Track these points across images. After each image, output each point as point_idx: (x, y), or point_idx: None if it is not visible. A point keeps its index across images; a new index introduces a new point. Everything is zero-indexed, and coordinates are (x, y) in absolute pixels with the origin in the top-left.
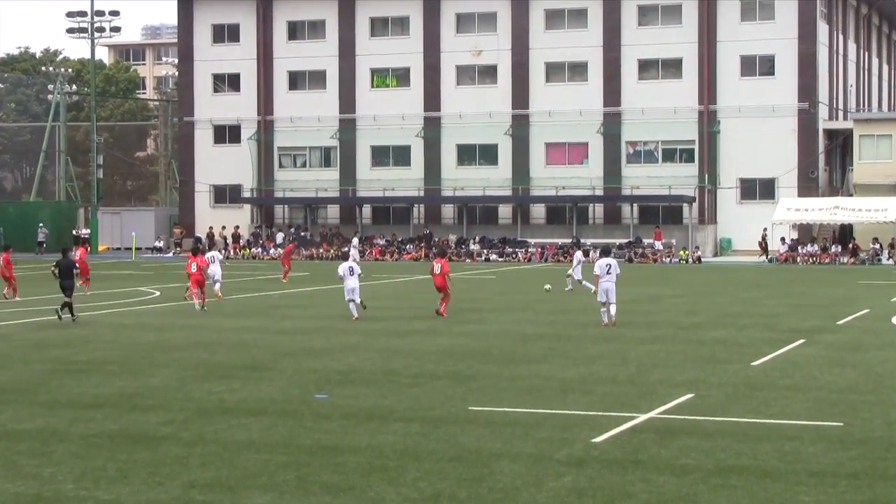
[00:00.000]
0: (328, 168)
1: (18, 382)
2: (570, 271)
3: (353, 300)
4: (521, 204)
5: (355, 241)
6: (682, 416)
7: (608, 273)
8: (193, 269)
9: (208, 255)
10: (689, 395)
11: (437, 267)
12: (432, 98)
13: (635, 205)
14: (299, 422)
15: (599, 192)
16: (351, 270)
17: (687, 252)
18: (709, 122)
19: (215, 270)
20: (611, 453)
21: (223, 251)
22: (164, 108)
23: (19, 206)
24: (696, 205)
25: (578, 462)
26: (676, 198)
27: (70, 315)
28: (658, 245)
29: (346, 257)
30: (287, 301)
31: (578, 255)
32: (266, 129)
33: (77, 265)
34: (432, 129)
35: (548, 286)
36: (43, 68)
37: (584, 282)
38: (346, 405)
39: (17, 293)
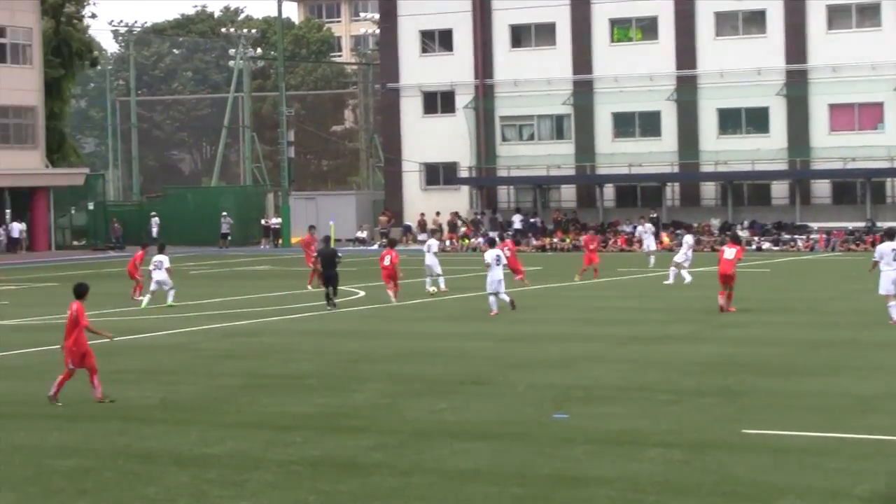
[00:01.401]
0: (561, 141)
1: (204, 400)
2: (676, 258)
3: (498, 293)
4: (801, 180)
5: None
6: None
7: (894, 261)
8: (387, 262)
9: (428, 243)
10: None
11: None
12: (686, 53)
13: None
14: (535, 447)
15: None
16: (498, 259)
17: None
18: None
19: (432, 263)
20: None
21: (440, 241)
22: (364, 74)
23: (199, 193)
24: None
25: (885, 499)
26: None
27: (331, 304)
28: None
29: (493, 244)
30: (518, 302)
31: (688, 239)
32: (485, 95)
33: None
34: (687, 91)
35: (432, 289)
36: (223, 30)
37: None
38: (590, 427)
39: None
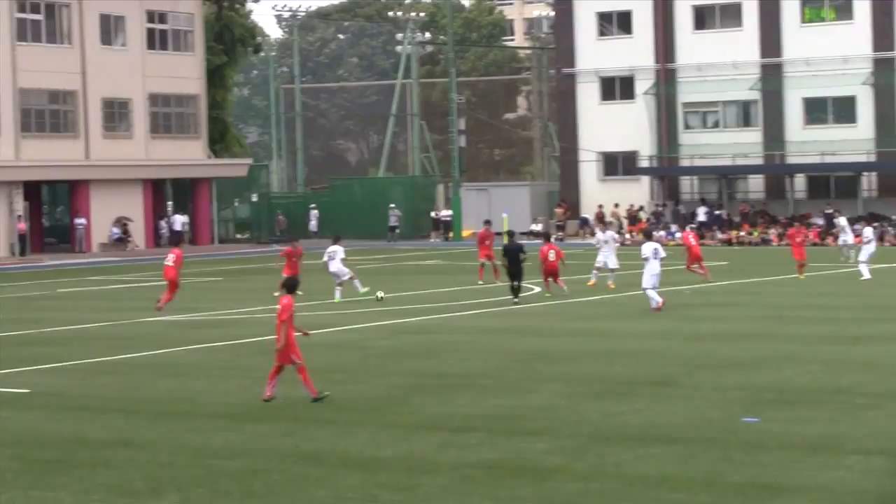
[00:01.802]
0: (748, 128)
1: (375, 400)
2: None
3: (656, 287)
4: None
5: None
6: None
7: None
8: (552, 257)
9: (599, 236)
10: None
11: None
12: (883, 33)
13: None
14: (724, 453)
15: None
16: (656, 252)
17: None
18: None
19: (607, 258)
20: None
21: (618, 233)
22: (538, 58)
23: (366, 184)
24: None
25: None
26: None
27: (515, 298)
28: None
29: (649, 235)
30: (702, 299)
31: (867, 232)
32: (667, 80)
33: (290, 263)
34: (885, 74)
35: (380, 293)
36: (390, 14)
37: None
38: (783, 432)
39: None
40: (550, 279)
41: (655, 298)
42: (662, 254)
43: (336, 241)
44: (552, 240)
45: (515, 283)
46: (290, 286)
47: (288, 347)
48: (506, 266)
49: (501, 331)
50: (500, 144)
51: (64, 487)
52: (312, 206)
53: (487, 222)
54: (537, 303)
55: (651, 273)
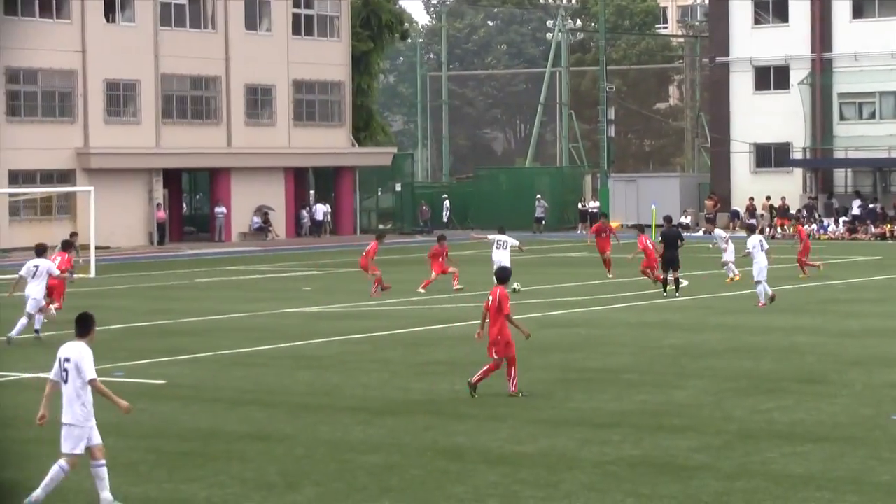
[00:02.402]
0: None
1: (516, 394)
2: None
3: (762, 282)
4: None
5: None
6: None
7: None
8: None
9: (750, 241)
10: None
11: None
12: None
13: None
14: (873, 451)
15: None
16: (761, 245)
17: None
18: None
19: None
20: None
21: (769, 227)
22: (692, 47)
23: (513, 174)
24: None
25: None
26: None
27: (675, 288)
28: None
29: (753, 230)
30: (851, 294)
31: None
32: (822, 69)
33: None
34: None
35: (516, 285)
36: (541, 0)
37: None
38: None
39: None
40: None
41: (763, 295)
42: (766, 246)
43: (501, 231)
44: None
45: (671, 275)
46: (503, 277)
47: (503, 339)
48: (661, 254)
49: (648, 325)
50: (650, 135)
51: (198, 481)
52: (444, 196)
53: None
54: (685, 297)
55: (760, 266)
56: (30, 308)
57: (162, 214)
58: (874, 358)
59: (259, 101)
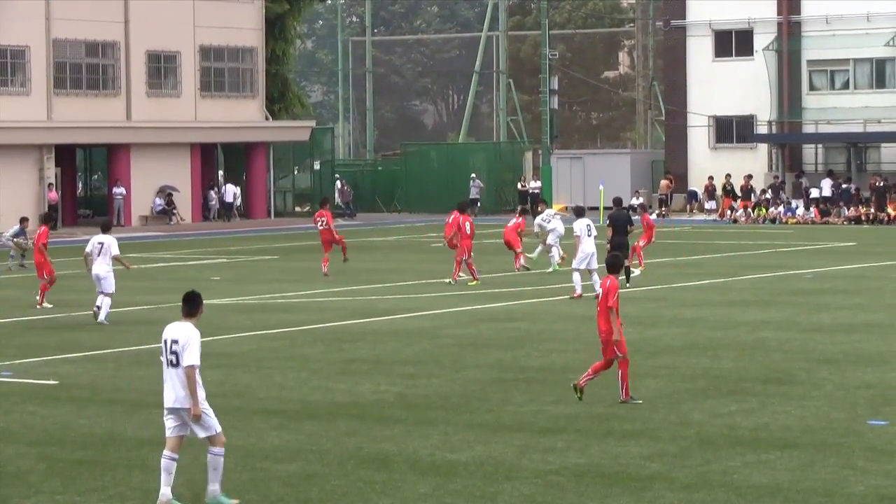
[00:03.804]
0: (881, 90)
1: (449, 396)
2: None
3: (579, 270)
4: None
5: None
6: None
7: None
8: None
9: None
10: None
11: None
12: None
13: None
14: (846, 460)
15: None
16: (588, 229)
17: None
18: None
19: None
20: None
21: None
22: (644, 8)
23: (445, 150)
24: None
25: None
26: None
27: (625, 278)
28: None
29: (581, 212)
30: (822, 285)
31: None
32: (790, 34)
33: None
34: None
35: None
36: None
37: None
38: None
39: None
40: None
41: (578, 283)
42: (594, 231)
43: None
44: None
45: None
46: (615, 265)
47: (612, 338)
48: (609, 238)
49: (594, 319)
50: (598, 107)
51: (96, 492)
52: (336, 176)
53: (523, 212)
54: (638, 287)
55: (584, 252)
56: (107, 287)
57: (54, 195)
58: (847, 355)
59: (162, 69)
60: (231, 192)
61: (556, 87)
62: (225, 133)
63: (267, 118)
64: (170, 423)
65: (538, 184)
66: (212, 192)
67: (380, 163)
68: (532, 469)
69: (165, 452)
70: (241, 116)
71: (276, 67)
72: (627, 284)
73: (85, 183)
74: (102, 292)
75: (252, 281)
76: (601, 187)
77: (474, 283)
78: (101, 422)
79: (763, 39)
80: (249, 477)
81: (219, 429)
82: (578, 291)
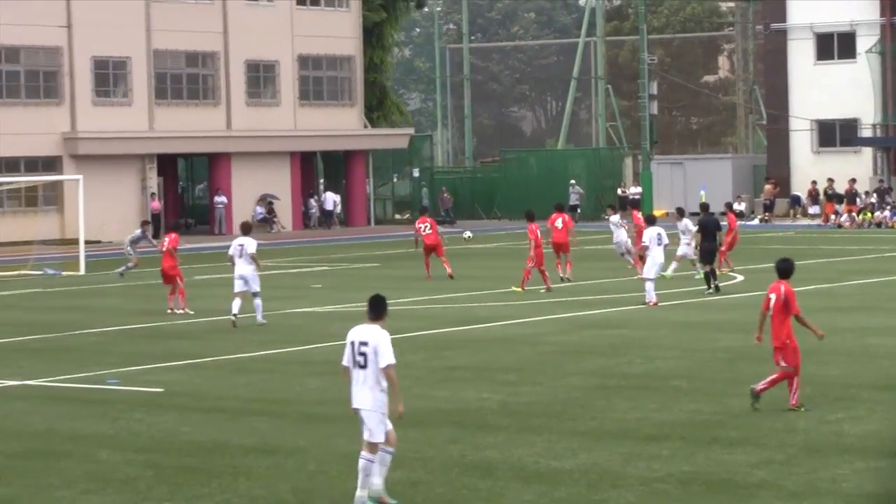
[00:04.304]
0: None
1: (552, 403)
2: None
3: (652, 280)
4: None
5: None
6: None
7: None
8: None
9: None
10: None
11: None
12: None
13: None
14: None
15: None
16: (659, 238)
17: None
18: None
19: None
20: None
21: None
22: (744, 12)
23: (544, 157)
24: None
25: None
26: None
27: (711, 287)
28: None
29: (652, 221)
30: None
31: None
32: (894, 35)
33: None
34: None
35: (468, 234)
36: None
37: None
38: None
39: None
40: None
41: (652, 293)
42: (666, 240)
43: (682, 214)
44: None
45: (708, 266)
46: (786, 270)
47: (791, 345)
48: (699, 243)
49: (697, 325)
50: (698, 111)
51: (202, 499)
52: (443, 187)
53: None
54: (742, 293)
55: (654, 261)
56: (255, 286)
57: (157, 205)
58: None
59: (261, 78)
60: (331, 199)
61: (654, 91)
62: (324, 141)
63: (366, 126)
64: (380, 424)
65: (638, 189)
66: (312, 201)
67: (479, 170)
68: (637, 477)
69: (362, 453)
70: (340, 124)
71: (374, 76)
72: (708, 291)
73: (187, 192)
74: (250, 292)
75: (353, 288)
76: (702, 193)
77: (545, 290)
78: (206, 429)
79: (866, 42)
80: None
81: (382, 438)
82: (654, 300)
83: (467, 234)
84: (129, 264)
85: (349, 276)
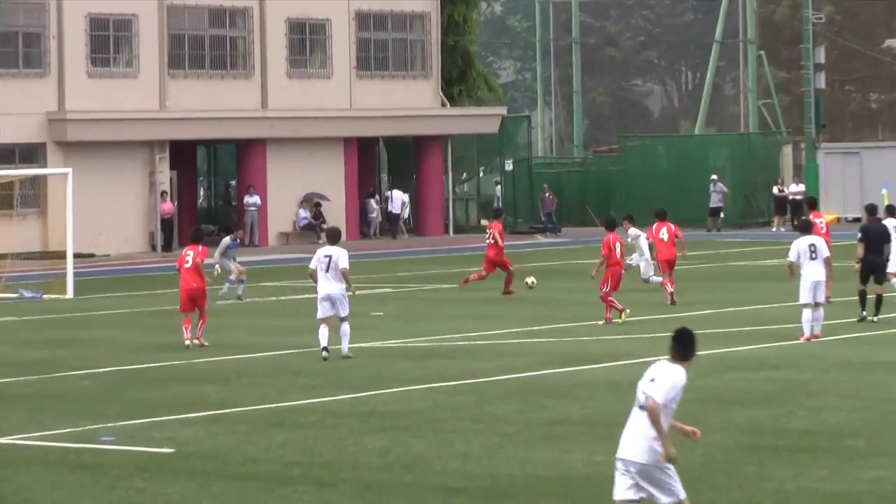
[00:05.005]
0: None
1: (688, 468)
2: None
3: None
4: None
5: None
6: None
7: None
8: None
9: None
10: None
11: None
12: None
13: None
14: None
15: None
16: (810, 251)
17: None
18: None
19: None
20: None
21: None
22: None
23: (676, 144)
24: None
25: None
26: None
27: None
28: None
29: (806, 229)
30: None
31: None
32: None
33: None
34: None
35: (531, 280)
36: None
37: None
38: None
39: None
40: None
41: (807, 322)
42: (824, 252)
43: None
44: None
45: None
46: None
47: None
48: (860, 256)
49: (877, 366)
50: (878, 86)
51: None
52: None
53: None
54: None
55: (808, 280)
56: (343, 310)
57: (169, 207)
58: None
59: (308, 42)
60: (398, 200)
61: (822, 60)
62: (389, 124)
63: (443, 104)
64: (623, 478)
65: (801, 188)
66: (372, 202)
67: (591, 161)
68: None
69: None
70: (410, 102)
71: (455, 38)
72: (873, 319)
73: (209, 190)
74: (338, 316)
75: (425, 317)
76: (884, 191)
77: (621, 319)
78: (231, 502)
79: None
80: None
81: (682, 495)
82: (807, 333)
83: (531, 279)
84: (233, 277)
85: (420, 300)
